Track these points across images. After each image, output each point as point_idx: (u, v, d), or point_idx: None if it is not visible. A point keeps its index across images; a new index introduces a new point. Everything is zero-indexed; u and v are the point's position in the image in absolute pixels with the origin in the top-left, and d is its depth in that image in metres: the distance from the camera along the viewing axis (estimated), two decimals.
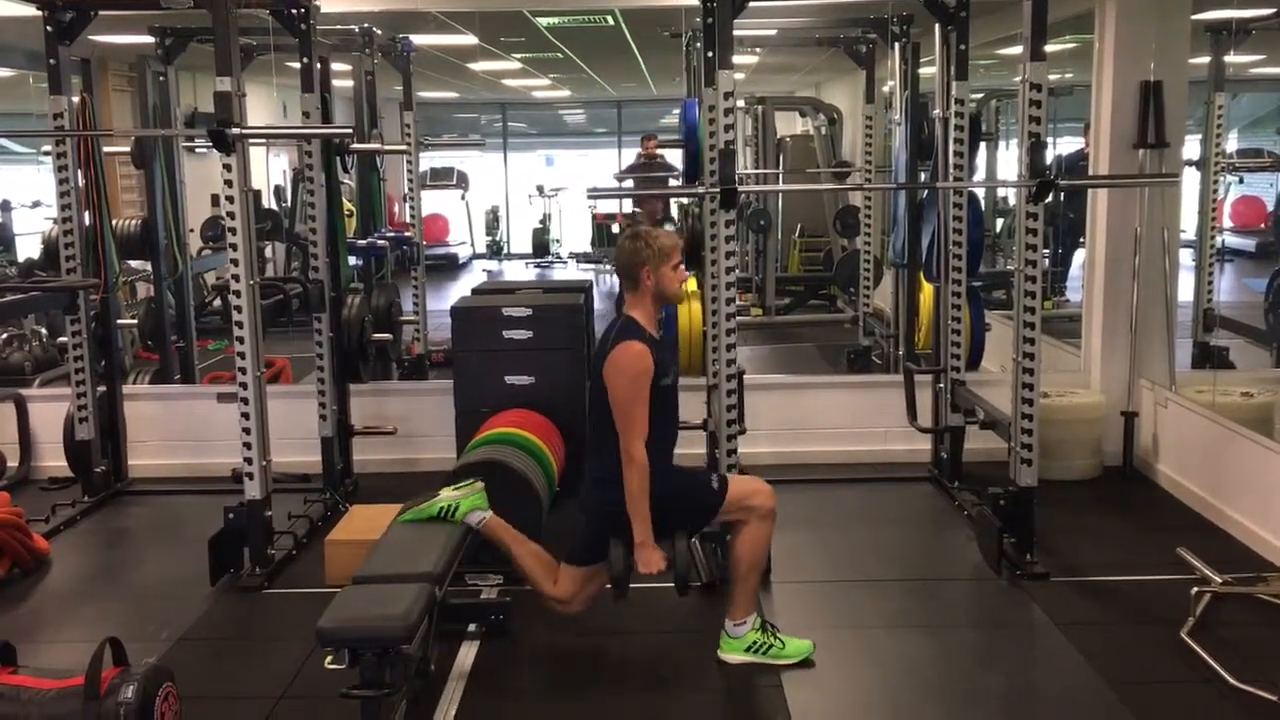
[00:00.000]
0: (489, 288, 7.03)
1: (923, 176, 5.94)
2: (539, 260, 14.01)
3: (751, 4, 4.32)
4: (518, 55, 10.02)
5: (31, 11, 5.10)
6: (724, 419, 4.29)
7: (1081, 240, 6.25)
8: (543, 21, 7.62)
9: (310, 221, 5.32)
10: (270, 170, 10.39)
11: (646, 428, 3.44)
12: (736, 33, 4.25)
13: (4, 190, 8.91)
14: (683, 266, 3.62)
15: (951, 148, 5.16)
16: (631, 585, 3.57)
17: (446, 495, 3.71)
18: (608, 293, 10.64)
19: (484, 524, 3.71)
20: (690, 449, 4.46)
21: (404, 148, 7.23)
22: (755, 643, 3.63)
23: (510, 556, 3.77)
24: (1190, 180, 5.95)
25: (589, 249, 13.57)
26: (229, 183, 4.27)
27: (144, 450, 5.79)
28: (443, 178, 13.54)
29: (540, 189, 14.31)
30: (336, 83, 5.63)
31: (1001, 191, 8.90)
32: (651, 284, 3.54)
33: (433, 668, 3.44)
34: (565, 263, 14.19)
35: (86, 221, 5.29)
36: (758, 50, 9.04)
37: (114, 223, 5.79)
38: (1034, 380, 4.31)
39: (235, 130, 4.21)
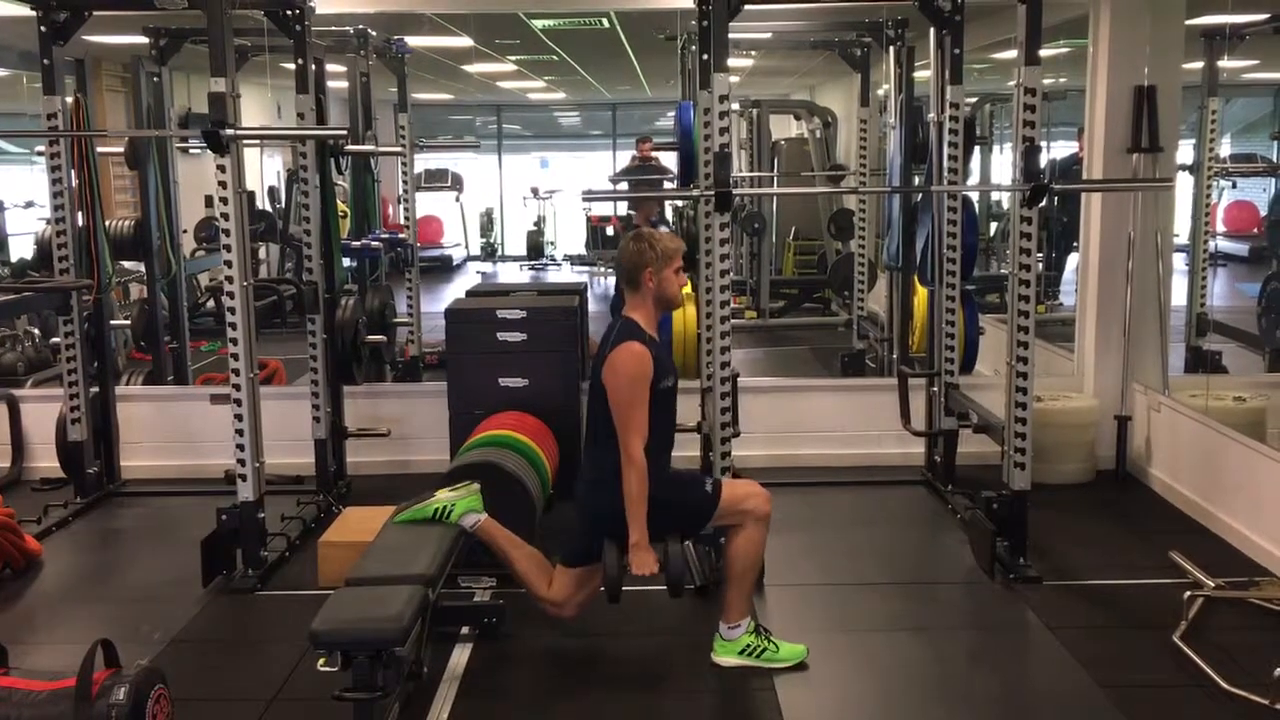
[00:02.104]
0: (483, 290, 7.02)
1: (917, 180, 5.95)
2: (533, 262, 14.02)
3: (747, 7, 4.32)
4: (513, 57, 10.02)
5: (25, 11, 5.09)
6: (718, 422, 4.29)
7: (1075, 244, 6.26)
8: (538, 24, 7.61)
9: (304, 223, 5.31)
10: (264, 171, 10.39)
11: (646, 429, 3.46)
12: (731, 36, 4.24)
13: None
14: (683, 271, 3.66)
15: (946, 151, 5.16)
16: (625, 588, 3.56)
17: (442, 496, 3.72)
18: (602, 295, 10.65)
19: (478, 526, 3.72)
20: (685, 451, 4.45)
21: (399, 149, 7.24)
22: (749, 646, 3.63)
23: (504, 559, 3.78)
24: (1183, 185, 5.97)
25: (583, 251, 13.58)
26: (223, 184, 4.26)
27: (137, 451, 5.77)
28: (437, 179, 13.53)
29: (535, 191, 14.31)
30: (331, 84, 5.61)
31: (995, 195, 8.93)
32: (653, 286, 3.58)
33: (425, 670, 3.42)
34: (560, 265, 14.19)
35: (80, 222, 5.27)
36: (753, 53, 9.05)
37: (107, 223, 5.77)
38: (1028, 384, 4.31)
39: (229, 131, 4.20)
